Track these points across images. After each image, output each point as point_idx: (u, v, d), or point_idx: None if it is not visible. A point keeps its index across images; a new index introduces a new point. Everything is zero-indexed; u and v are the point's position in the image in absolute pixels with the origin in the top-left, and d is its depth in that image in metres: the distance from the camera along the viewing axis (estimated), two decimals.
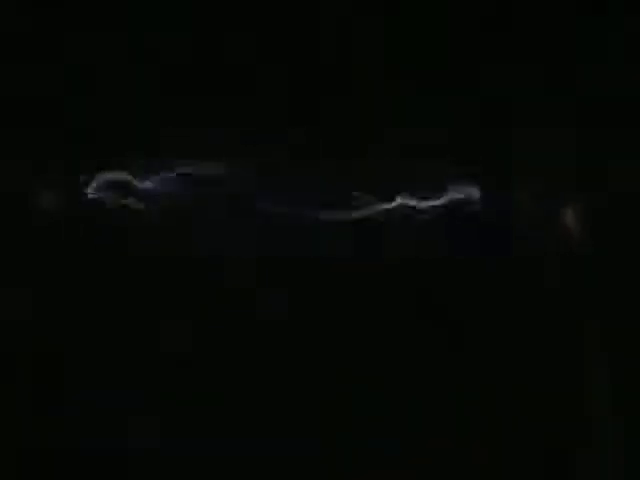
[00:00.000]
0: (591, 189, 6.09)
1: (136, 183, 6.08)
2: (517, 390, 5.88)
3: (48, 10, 6.07)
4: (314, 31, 6.17)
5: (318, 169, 6.04)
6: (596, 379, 5.90)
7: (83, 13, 6.06)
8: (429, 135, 6.08)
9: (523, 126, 6.13)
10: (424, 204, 6.11)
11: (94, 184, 6.06)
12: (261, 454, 5.83)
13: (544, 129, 6.11)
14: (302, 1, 6.15)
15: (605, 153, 6.06)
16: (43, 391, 5.91)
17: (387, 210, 6.11)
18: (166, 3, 6.11)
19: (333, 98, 6.14)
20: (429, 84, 6.14)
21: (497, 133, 6.15)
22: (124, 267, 6.06)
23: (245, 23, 6.18)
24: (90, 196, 6.07)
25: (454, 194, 6.11)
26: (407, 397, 5.91)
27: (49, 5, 6.07)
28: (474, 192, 6.12)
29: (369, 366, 5.96)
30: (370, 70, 6.16)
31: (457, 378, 5.93)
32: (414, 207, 6.11)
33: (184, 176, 6.08)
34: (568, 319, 5.99)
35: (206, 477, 5.85)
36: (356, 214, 6.10)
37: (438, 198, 6.12)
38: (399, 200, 6.12)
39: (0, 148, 6.05)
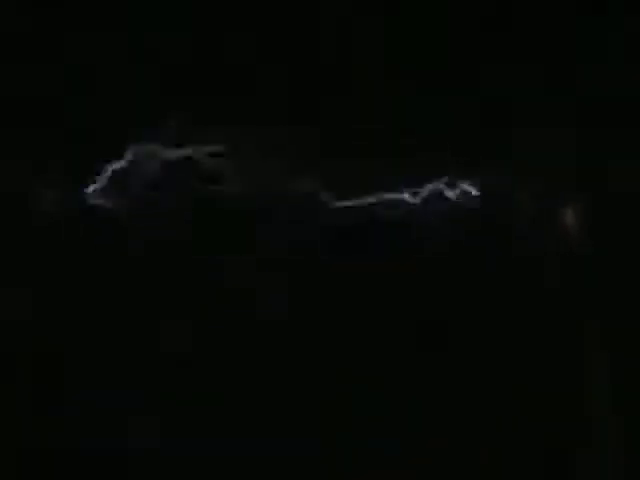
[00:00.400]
0: (591, 189, 6.09)
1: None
2: (517, 390, 5.89)
3: (48, 10, 6.07)
4: (314, 31, 6.18)
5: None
6: (596, 379, 5.91)
7: (83, 13, 6.07)
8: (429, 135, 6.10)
9: (523, 126, 6.13)
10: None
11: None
12: (261, 454, 5.84)
13: (544, 129, 6.12)
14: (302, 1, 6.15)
15: (605, 153, 6.06)
16: (43, 391, 5.91)
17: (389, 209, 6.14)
18: (166, 3, 6.12)
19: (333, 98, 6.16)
20: (429, 84, 6.16)
21: (497, 133, 6.15)
22: (124, 267, 6.08)
23: (245, 23, 6.19)
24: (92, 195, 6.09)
25: (454, 194, 6.13)
26: (407, 397, 5.91)
27: (49, 5, 6.07)
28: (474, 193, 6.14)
29: (369, 366, 5.95)
30: (370, 70, 6.17)
31: (456, 378, 5.94)
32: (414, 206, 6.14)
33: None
34: (568, 319, 6.00)
35: (206, 477, 5.85)
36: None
37: (438, 197, 6.14)
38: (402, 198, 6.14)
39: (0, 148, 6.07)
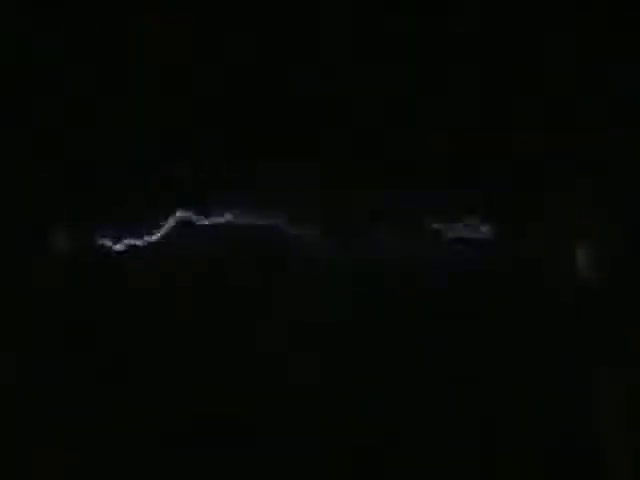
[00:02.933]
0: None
1: None
2: (517, 391, 5.93)
3: (49, 10, 6.03)
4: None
5: None
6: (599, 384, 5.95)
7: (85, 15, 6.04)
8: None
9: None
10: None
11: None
12: (261, 454, 5.87)
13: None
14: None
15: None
16: None
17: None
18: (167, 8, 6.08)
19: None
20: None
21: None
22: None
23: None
24: None
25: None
26: (407, 397, 5.95)
27: (49, 5, 6.03)
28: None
29: (369, 366, 5.98)
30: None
31: (457, 379, 5.98)
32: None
33: None
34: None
35: (206, 477, 5.88)
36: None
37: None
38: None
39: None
